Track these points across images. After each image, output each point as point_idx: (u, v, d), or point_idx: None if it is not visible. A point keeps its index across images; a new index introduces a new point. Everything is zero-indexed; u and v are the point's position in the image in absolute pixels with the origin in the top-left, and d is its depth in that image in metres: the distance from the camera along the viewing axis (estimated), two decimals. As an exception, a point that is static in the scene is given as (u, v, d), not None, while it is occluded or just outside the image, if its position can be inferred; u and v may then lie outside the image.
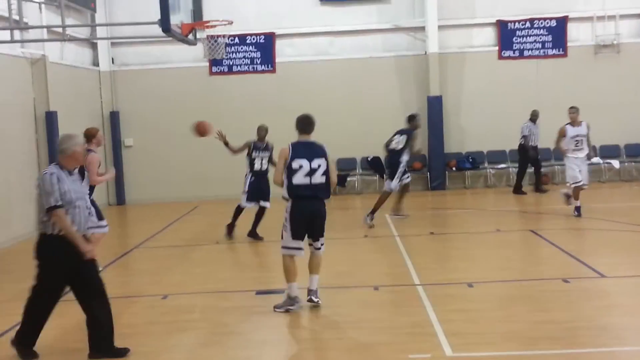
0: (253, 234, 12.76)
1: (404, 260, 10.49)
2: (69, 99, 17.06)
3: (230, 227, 12.98)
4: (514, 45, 19.38)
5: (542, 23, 19.29)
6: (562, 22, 19.20)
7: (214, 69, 19.72)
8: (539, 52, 19.35)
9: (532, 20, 19.30)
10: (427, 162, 19.45)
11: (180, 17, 11.86)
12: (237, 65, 19.72)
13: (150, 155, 19.81)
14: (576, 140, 13.49)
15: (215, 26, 14.42)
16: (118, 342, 6.56)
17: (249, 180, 12.60)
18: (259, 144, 12.64)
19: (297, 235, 7.83)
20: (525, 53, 19.40)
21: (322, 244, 8.05)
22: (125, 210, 19.15)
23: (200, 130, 11.50)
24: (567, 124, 13.65)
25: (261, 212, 12.71)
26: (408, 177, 14.11)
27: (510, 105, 19.13)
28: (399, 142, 13.73)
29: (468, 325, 7.18)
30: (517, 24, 19.34)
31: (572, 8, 19.27)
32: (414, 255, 10.81)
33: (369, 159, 16.78)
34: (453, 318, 7.40)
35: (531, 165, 18.09)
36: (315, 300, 7.92)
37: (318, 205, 7.85)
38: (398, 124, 19.24)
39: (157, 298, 8.85)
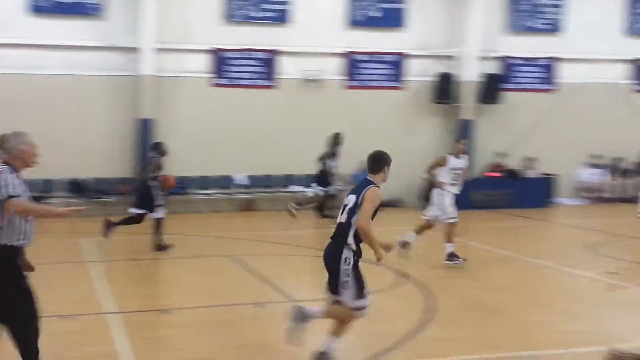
0: None
1: (98, 287, 10.16)
2: None
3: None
4: (228, 73, 19.88)
5: (254, 54, 20.04)
6: (273, 55, 20.12)
7: None
8: (251, 82, 20.06)
9: (245, 51, 19.94)
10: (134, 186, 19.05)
11: None
12: None
13: None
14: (455, 174, 12.09)
15: None
16: None
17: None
18: None
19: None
20: (239, 82, 19.99)
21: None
22: None
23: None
24: (450, 154, 12.29)
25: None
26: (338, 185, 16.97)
27: (223, 132, 19.49)
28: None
29: (162, 353, 7.12)
30: (231, 53, 19.87)
31: (284, 43, 20.19)
32: (110, 281, 10.52)
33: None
34: (147, 346, 7.30)
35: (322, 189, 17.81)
36: None
37: (330, 248, 6.68)
38: (107, 145, 18.76)
39: None
